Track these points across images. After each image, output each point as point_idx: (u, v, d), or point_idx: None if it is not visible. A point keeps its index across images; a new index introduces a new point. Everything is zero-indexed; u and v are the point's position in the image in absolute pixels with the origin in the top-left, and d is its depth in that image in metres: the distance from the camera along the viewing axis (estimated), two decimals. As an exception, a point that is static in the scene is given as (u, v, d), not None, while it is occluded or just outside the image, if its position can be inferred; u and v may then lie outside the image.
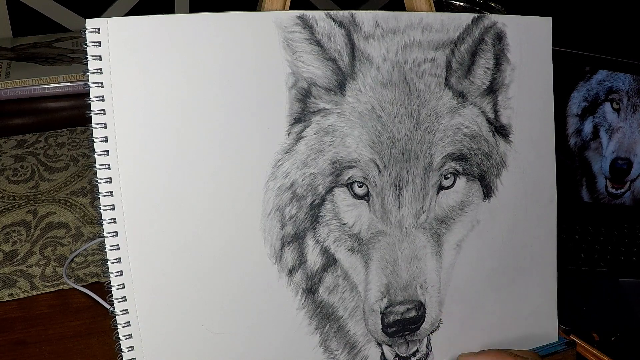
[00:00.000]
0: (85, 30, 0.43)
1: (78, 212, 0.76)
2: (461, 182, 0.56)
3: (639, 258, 0.81)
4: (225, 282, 0.48)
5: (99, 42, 0.43)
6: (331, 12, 0.49)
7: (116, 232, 0.45)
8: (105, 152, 0.44)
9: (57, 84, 0.97)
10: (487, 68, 0.56)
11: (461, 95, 0.55)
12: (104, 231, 0.45)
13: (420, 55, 0.52)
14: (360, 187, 0.52)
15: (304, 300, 0.51)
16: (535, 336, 0.61)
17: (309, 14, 0.49)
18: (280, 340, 0.51)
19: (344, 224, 0.52)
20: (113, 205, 0.45)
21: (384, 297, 0.53)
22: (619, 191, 0.88)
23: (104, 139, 0.44)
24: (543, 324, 0.61)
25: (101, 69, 0.43)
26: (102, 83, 0.43)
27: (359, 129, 0.51)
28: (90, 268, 0.69)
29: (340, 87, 0.50)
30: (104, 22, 0.43)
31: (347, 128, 0.51)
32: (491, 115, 0.57)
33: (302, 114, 0.49)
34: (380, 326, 0.53)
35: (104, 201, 0.44)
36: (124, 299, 0.46)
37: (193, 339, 0.48)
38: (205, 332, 0.48)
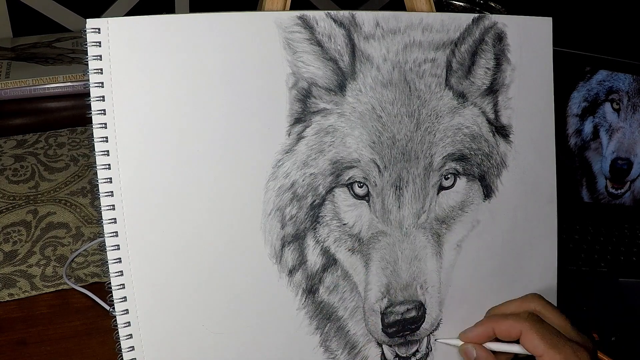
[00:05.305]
0: (85, 31, 0.43)
1: (78, 212, 0.76)
2: (461, 182, 0.56)
3: (639, 258, 0.81)
4: (225, 282, 0.48)
5: (99, 42, 0.43)
6: (331, 12, 0.49)
7: (116, 232, 0.45)
8: (106, 152, 0.44)
9: (57, 84, 0.97)
10: (488, 68, 0.56)
11: (461, 96, 0.55)
12: (104, 231, 0.45)
13: (420, 55, 0.52)
14: (361, 187, 0.52)
15: (304, 301, 0.51)
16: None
17: (310, 14, 0.49)
18: (280, 341, 0.51)
19: (344, 224, 0.52)
20: (113, 205, 0.45)
21: (384, 297, 0.53)
22: (619, 191, 0.88)
23: (104, 139, 0.44)
24: (543, 324, 0.61)
25: (101, 69, 0.43)
26: (102, 83, 0.43)
27: (359, 129, 0.51)
28: (90, 268, 0.69)
29: (340, 87, 0.50)
30: (104, 22, 0.43)
31: (347, 128, 0.51)
32: (491, 116, 0.57)
33: (303, 114, 0.49)
34: (381, 326, 0.53)
35: (104, 201, 0.45)
36: (124, 299, 0.46)
37: (193, 339, 0.48)
38: (205, 332, 0.48)
